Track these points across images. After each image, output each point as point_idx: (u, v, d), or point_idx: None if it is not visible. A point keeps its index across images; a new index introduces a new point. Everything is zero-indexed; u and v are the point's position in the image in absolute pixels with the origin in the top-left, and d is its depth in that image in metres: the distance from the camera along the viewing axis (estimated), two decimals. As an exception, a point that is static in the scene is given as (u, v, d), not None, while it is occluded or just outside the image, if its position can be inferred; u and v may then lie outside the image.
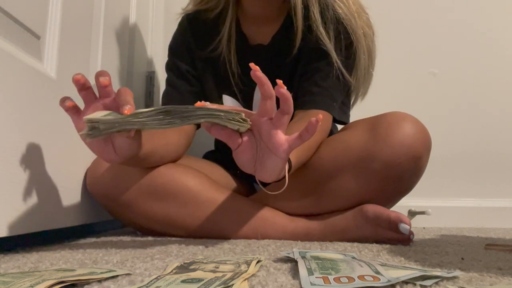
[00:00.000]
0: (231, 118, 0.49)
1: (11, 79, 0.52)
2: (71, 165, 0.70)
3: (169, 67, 0.89)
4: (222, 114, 0.48)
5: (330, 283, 0.34)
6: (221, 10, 0.84)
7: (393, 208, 0.74)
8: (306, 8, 0.76)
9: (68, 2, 0.67)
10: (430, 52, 1.37)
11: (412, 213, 1.20)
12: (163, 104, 0.86)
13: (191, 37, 0.87)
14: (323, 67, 0.77)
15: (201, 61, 0.86)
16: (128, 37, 1.03)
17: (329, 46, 0.75)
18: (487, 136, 1.41)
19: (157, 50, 1.26)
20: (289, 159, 0.59)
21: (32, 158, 0.58)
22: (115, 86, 0.92)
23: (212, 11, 0.84)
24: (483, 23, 1.43)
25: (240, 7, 0.84)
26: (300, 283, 0.35)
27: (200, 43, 0.86)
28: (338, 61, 0.76)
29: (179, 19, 0.90)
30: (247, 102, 0.86)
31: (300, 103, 0.76)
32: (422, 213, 1.16)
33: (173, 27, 0.91)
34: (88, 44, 0.77)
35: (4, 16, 0.52)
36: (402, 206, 0.76)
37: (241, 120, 0.50)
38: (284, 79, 0.82)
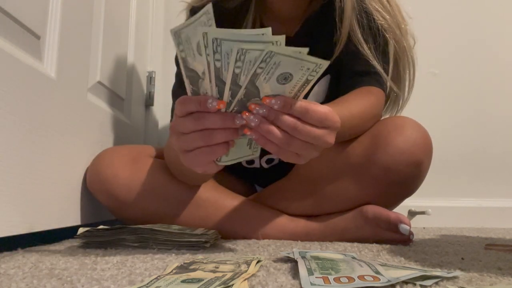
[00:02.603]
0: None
1: (11, 79, 0.52)
2: (71, 165, 0.70)
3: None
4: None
5: (330, 283, 0.34)
6: (242, 2, 0.80)
7: (394, 209, 0.74)
8: (342, 13, 0.73)
9: (68, 2, 0.67)
10: (430, 52, 1.37)
11: (412, 213, 1.20)
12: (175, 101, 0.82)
13: None
14: (367, 76, 0.74)
15: None
16: (128, 37, 1.03)
17: (371, 56, 0.72)
18: (487, 136, 1.41)
19: (157, 50, 1.26)
20: None
21: (32, 158, 0.57)
22: (115, 86, 0.92)
23: (232, 1, 0.80)
24: (483, 23, 1.43)
25: (262, 2, 0.81)
26: (300, 283, 0.35)
27: None
28: (381, 71, 0.73)
29: (187, 11, 0.83)
30: None
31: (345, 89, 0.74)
32: (422, 213, 1.16)
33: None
34: (88, 44, 0.77)
35: (4, 16, 0.52)
36: (402, 206, 0.76)
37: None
38: None
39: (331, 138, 0.49)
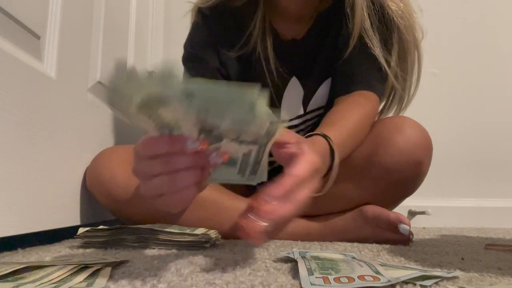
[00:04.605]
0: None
1: (11, 79, 0.52)
2: (71, 165, 0.70)
3: (192, 60, 0.80)
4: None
5: (330, 283, 0.34)
6: (250, 0, 0.78)
7: (393, 209, 0.74)
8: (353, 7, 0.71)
9: (68, 2, 0.67)
10: (430, 52, 1.37)
11: (412, 213, 1.20)
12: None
13: (216, 32, 0.79)
14: (364, 77, 0.73)
15: (229, 61, 0.80)
16: (128, 37, 1.03)
17: (378, 50, 0.71)
18: (488, 136, 1.41)
19: (157, 50, 1.26)
20: (331, 147, 0.57)
21: (32, 158, 0.57)
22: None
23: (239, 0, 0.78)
24: (484, 23, 1.43)
25: (270, 2, 0.79)
26: (300, 283, 0.35)
27: (227, 39, 0.79)
28: (386, 67, 0.72)
29: (193, 12, 0.82)
30: (280, 102, 0.82)
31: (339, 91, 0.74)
32: (422, 213, 1.16)
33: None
34: (88, 44, 0.77)
35: (4, 16, 0.52)
36: (402, 206, 0.76)
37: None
38: (320, 73, 0.76)
39: (314, 183, 0.45)
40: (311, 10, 0.79)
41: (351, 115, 0.69)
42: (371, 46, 0.71)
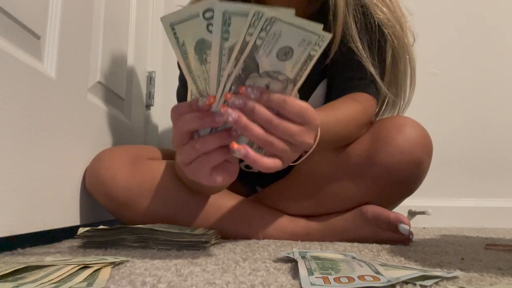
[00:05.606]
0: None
1: (11, 79, 0.52)
2: (71, 165, 0.70)
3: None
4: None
5: (330, 283, 0.34)
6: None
7: (393, 209, 0.74)
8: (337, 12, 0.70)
9: (68, 2, 0.67)
10: (430, 51, 1.38)
11: (412, 213, 1.20)
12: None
13: None
14: (358, 81, 0.72)
15: None
16: (128, 37, 1.03)
17: (365, 58, 0.70)
18: (487, 136, 1.41)
19: (157, 50, 1.26)
20: None
21: (32, 158, 0.57)
22: (115, 86, 0.92)
23: None
24: (485, 21, 1.43)
25: (260, 2, 0.78)
26: (300, 283, 0.35)
27: None
28: (375, 74, 0.71)
29: None
30: None
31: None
32: (422, 213, 1.16)
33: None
34: (88, 44, 0.77)
35: (4, 16, 0.52)
36: (402, 206, 0.76)
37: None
38: (314, 75, 0.72)
39: (309, 137, 0.46)
40: (300, 13, 0.78)
41: (343, 107, 0.69)
42: (359, 54, 0.71)
